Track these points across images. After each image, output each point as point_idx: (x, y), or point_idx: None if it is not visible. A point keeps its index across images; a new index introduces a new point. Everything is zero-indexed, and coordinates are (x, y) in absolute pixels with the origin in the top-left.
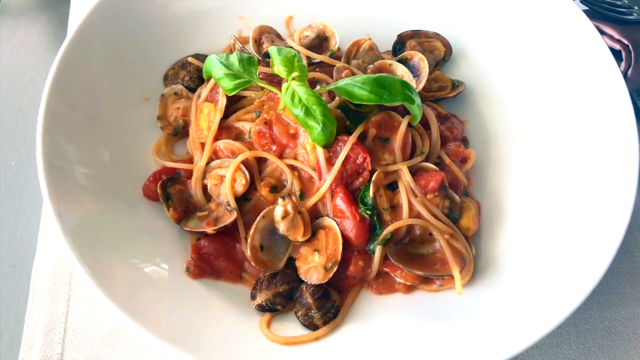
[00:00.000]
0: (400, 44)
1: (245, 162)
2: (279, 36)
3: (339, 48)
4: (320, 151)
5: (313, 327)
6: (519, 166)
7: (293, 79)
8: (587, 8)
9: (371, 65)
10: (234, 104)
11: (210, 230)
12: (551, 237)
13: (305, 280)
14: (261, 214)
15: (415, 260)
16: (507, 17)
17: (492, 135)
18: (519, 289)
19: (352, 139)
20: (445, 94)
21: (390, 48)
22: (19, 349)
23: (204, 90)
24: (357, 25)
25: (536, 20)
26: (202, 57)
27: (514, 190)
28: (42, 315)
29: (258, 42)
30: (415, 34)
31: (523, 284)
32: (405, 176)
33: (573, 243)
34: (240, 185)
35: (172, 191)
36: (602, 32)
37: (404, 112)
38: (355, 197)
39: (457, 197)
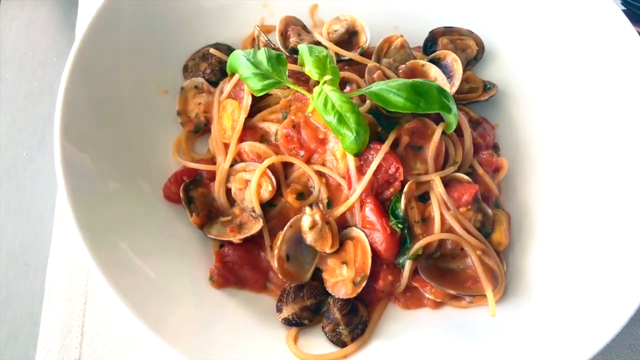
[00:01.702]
0: (431, 41)
1: (271, 167)
2: (305, 28)
3: (369, 44)
4: (351, 159)
5: (341, 343)
6: (550, 175)
7: (325, 82)
8: (625, 9)
9: (403, 66)
10: (259, 101)
11: (236, 239)
12: (585, 253)
13: (333, 294)
14: (288, 224)
15: (446, 276)
16: (543, 15)
17: (522, 142)
18: (551, 307)
19: (385, 147)
20: (476, 96)
21: (419, 43)
22: (34, 352)
23: (227, 86)
24: (385, 17)
25: (574, 21)
26: (223, 47)
27: (545, 201)
28: (58, 318)
29: (284, 35)
30: (448, 31)
31: (555, 303)
32: (438, 188)
33: (609, 259)
34: (267, 192)
35: (194, 194)
36: None
37: (438, 118)
38: (385, 207)
39: (489, 211)
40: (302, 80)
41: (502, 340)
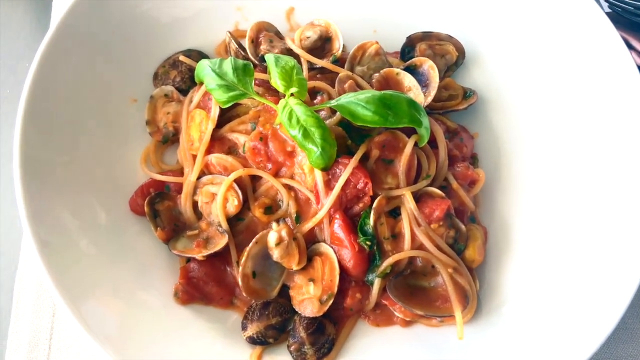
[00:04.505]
0: (409, 47)
1: (238, 180)
2: (278, 34)
3: (343, 51)
4: (318, 174)
5: None
6: (531, 187)
7: (291, 94)
8: (610, 11)
9: (377, 74)
10: (228, 111)
11: (199, 256)
12: (563, 271)
13: (299, 312)
14: (254, 240)
15: (416, 294)
16: (526, 19)
17: (503, 151)
18: (524, 328)
19: (353, 162)
20: (455, 104)
21: (398, 48)
22: None
23: (196, 95)
24: (363, 21)
25: (558, 24)
26: (194, 54)
27: (524, 215)
28: (25, 331)
29: (255, 42)
30: (426, 36)
31: (529, 324)
32: (409, 203)
33: (587, 279)
34: (232, 207)
35: (160, 208)
36: (630, 47)
37: (411, 130)
38: (354, 223)
39: (462, 227)
40: (272, 89)
41: None
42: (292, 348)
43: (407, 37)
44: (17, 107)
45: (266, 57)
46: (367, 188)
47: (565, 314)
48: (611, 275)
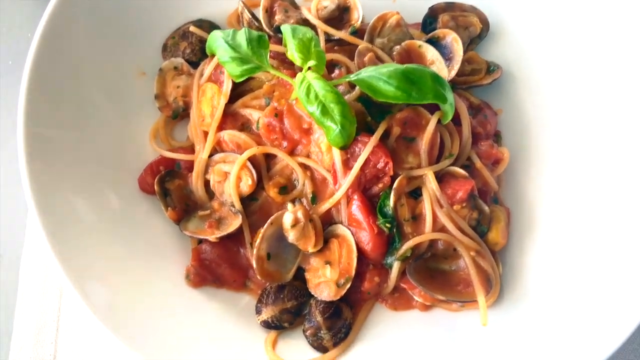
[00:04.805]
0: (431, 18)
1: (252, 159)
2: (293, 3)
3: (362, 21)
4: (336, 153)
5: (322, 349)
6: (556, 167)
7: (309, 68)
8: None
9: (397, 47)
10: (240, 85)
11: (212, 238)
12: (590, 254)
13: (315, 296)
14: (269, 221)
15: (437, 278)
16: None
17: (527, 129)
18: (549, 313)
19: (374, 140)
20: (479, 79)
21: (419, 19)
22: (9, 346)
23: (207, 68)
24: None
25: None
26: (205, 24)
27: (549, 195)
28: (33, 312)
29: (269, 12)
30: (449, 7)
31: (554, 308)
32: (431, 183)
33: (615, 263)
34: (246, 186)
35: (170, 187)
36: None
37: (433, 105)
38: (373, 204)
39: (486, 208)
40: (288, 62)
41: (495, 348)
42: (308, 333)
43: (430, 8)
44: (19, 78)
45: (282, 28)
46: (387, 168)
47: (592, 299)
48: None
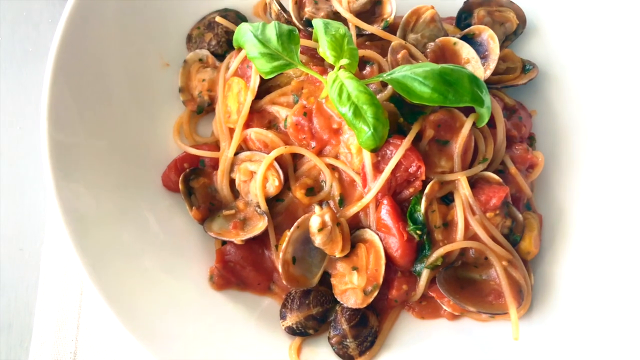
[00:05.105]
0: (466, 12)
1: (279, 158)
2: None
3: (394, 16)
4: (367, 155)
5: (348, 357)
6: (591, 173)
7: (341, 67)
8: None
9: (432, 43)
10: (268, 80)
11: (238, 241)
12: (624, 264)
13: (341, 302)
14: (295, 224)
15: (466, 287)
16: None
17: (562, 132)
18: (581, 326)
19: (406, 143)
20: (514, 78)
21: (453, 13)
22: (30, 341)
23: (234, 62)
24: None
25: None
26: (231, 14)
27: (583, 202)
28: (53, 308)
29: (299, 4)
30: (486, 2)
31: (585, 321)
32: (464, 189)
33: None
34: (273, 187)
35: (195, 185)
36: None
37: (468, 107)
38: (403, 209)
39: (520, 216)
40: (317, 58)
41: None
42: (334, 340)
43: (465, 2)
44: (39, 65)
45: (314, 22)
46: (419, 172)
47: (626, 312)
48: None
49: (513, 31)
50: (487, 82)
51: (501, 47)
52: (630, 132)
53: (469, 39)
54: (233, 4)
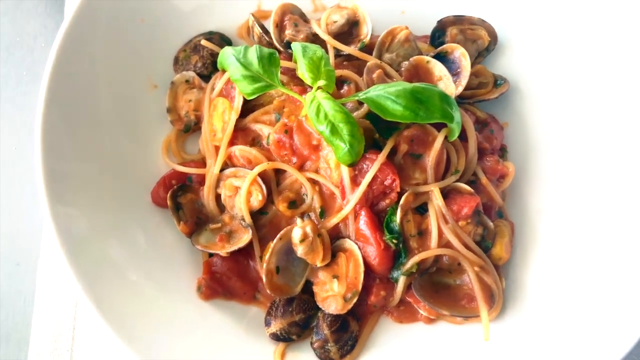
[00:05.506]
0: (440, 31)
1: (262, 174)
2: (302, 16)
3: (371, 36)
4: (345, 170)
5: None
6: (560, 181)
7: (319, 87)
8: None
9: (406, 62)
10: (251, 100)
11: (223, 252)
12: (591, 269)
13: (323, 309)
14: (278, 236)
15: (441, 292)
16: (562, 4)
17: (532, 143)
18: (550, 327)
19: (381, 158)
20: (486, 93)
21: (427, 31)
22: (27, 353)
23: (219, 83)
24: (391, 1)
25: (596, 9)
26: (215, 37)
27: (552, 209)
28: (49, 321)
29: (280, 27)
30: (458, 20)
31: (556, 322)
32: (437, 200)
33: (617, 276)
34: (256, 201)
35: (183, 201)
36: None
37: (440, 123)
38: (380, 219)
39: (490, 224)
40: (298, 77)
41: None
42: (316, 345)
43: (438, 21)
44: (34, 87)
45: (293, 46)
46: (394, 184)
47: (594, 313)
48: None
49: (485, 48)
50: (460, 97)
51: (474, 63)
52: (595, 143)
53: (442, 57)
54: (218, 26)
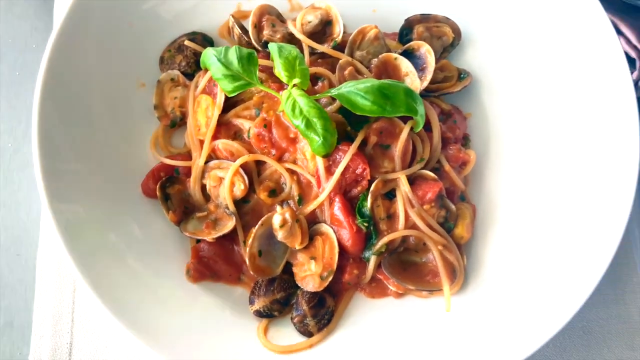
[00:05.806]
0: (407, 29)
1: (244, 165)
2: (279, 17)
3: (344, 32)
4: (319, 161)
5: (308, 334)
6: (518, 167)
7: (294, 85)
8: None
9: (375, 60)
10: (233, 96)
11: (209, 238)
12: (543, 246)
13: (302, 287)
14: (260, 222)
15: (408, 269)
16: (519, 2)
17: (493, 132)
18: (510, 296)
19: (352, 149)
20: (450, 86)
21: (396, 29)
22: (30, 337)
23: (202, 81)
24: (363, 0)
25: (549, 8)
26: (198, 37)
27: (511, 192)
28: (49, 305)
29: (258, 27)
30: (425, 19)
31: (514, 292)
32: (404, 186)
33: (568, 250)
34: (239, 190)
35: (171, 191)
36: (618, 32)
37: (406, 116)
38: (352, 205)
39: (452, 207)
40: (275, 75)
41: (459, 329)
42: (296, 320)
43: (405, 20)
44: (27, 86)
45: (269, 46)
46: (365, 173)
47: (544, 284)
48: (588, 248)
49: (450, 43)
50: (426, 90)
51: (439, 59)
52: (551, 132)
53: (409, 54)
54: (200, 27)
